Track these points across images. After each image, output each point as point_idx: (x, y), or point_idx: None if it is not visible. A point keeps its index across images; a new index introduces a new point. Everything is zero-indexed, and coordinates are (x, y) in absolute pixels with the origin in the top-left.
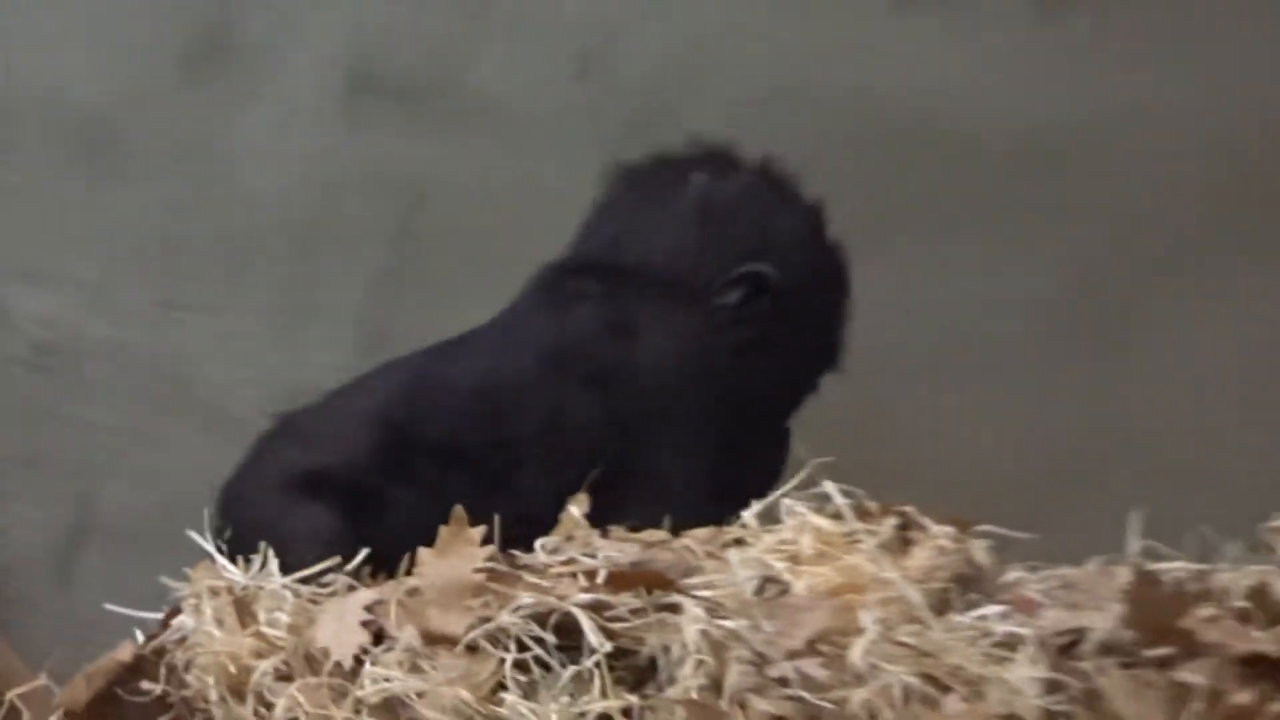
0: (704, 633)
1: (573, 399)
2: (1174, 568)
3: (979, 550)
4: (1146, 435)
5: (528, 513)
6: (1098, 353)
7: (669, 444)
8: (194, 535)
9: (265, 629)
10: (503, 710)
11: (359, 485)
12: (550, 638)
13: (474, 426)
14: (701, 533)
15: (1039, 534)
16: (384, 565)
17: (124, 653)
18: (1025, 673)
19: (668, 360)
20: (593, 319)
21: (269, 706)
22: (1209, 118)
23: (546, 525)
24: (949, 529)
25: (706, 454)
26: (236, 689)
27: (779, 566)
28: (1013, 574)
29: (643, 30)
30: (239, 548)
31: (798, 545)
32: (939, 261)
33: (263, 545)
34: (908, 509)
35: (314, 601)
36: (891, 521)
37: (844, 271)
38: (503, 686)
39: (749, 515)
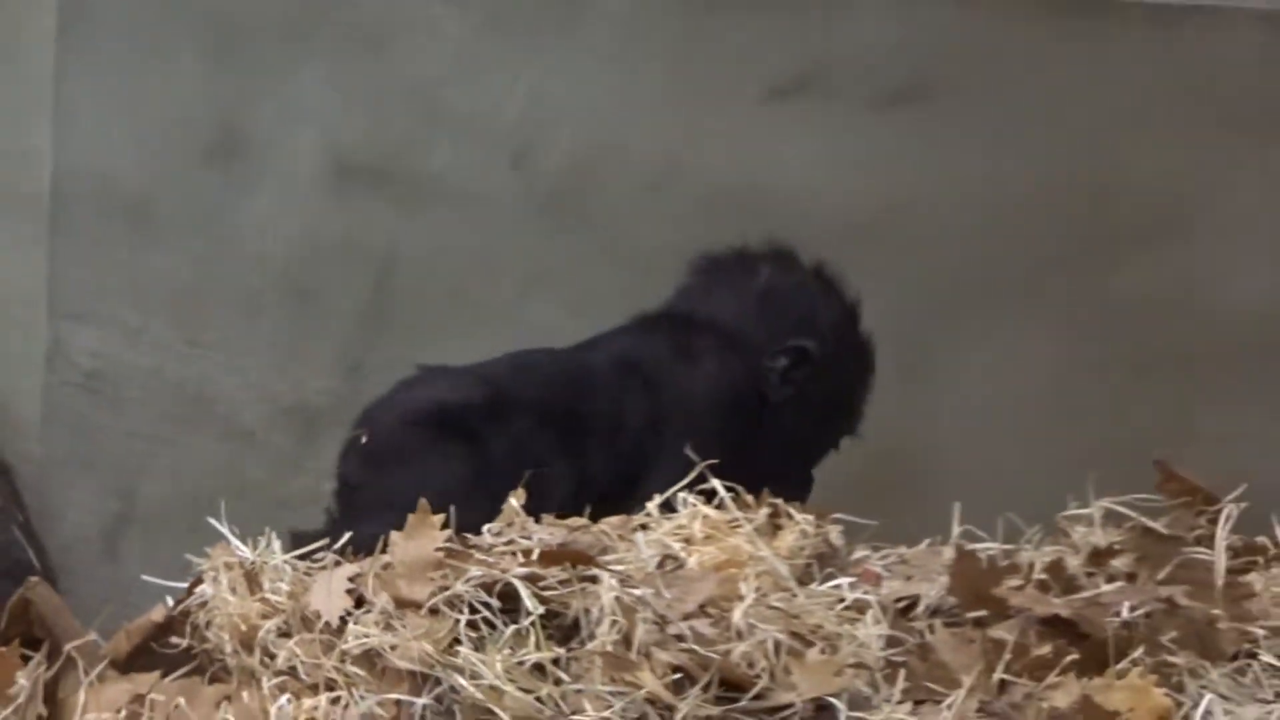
0: (617, 599)
1: (634, 395)
2: (987, 547)
3: (834, 534)
4: (955, 444)
5: (588, 473)
6: (908, 380)
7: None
8: (213, 522)
9: (269, 595)
10: (458, 660)
11: (466, 422)
12: (495, 602)
13: (557, 396)
14: (614, 520)
15: (880, 521)
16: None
17: (157, 614)
18: (871, 630)
19: (713, 387)
20: (664, 343)
21: (272, 657)
22: (998, 196)
23: (600, 487)
24: (810, 517)
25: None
26: (246, 643)
27: (676, 546)
28: (860, 553)
29: (563, 129)
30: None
31: (690, 530)
32: None
33: (267, 529)
34: (777, 501)
35: (308, 574)
36: (764, 511)
37: (871, 356)
38: (458, 641)
39: (652, 507)
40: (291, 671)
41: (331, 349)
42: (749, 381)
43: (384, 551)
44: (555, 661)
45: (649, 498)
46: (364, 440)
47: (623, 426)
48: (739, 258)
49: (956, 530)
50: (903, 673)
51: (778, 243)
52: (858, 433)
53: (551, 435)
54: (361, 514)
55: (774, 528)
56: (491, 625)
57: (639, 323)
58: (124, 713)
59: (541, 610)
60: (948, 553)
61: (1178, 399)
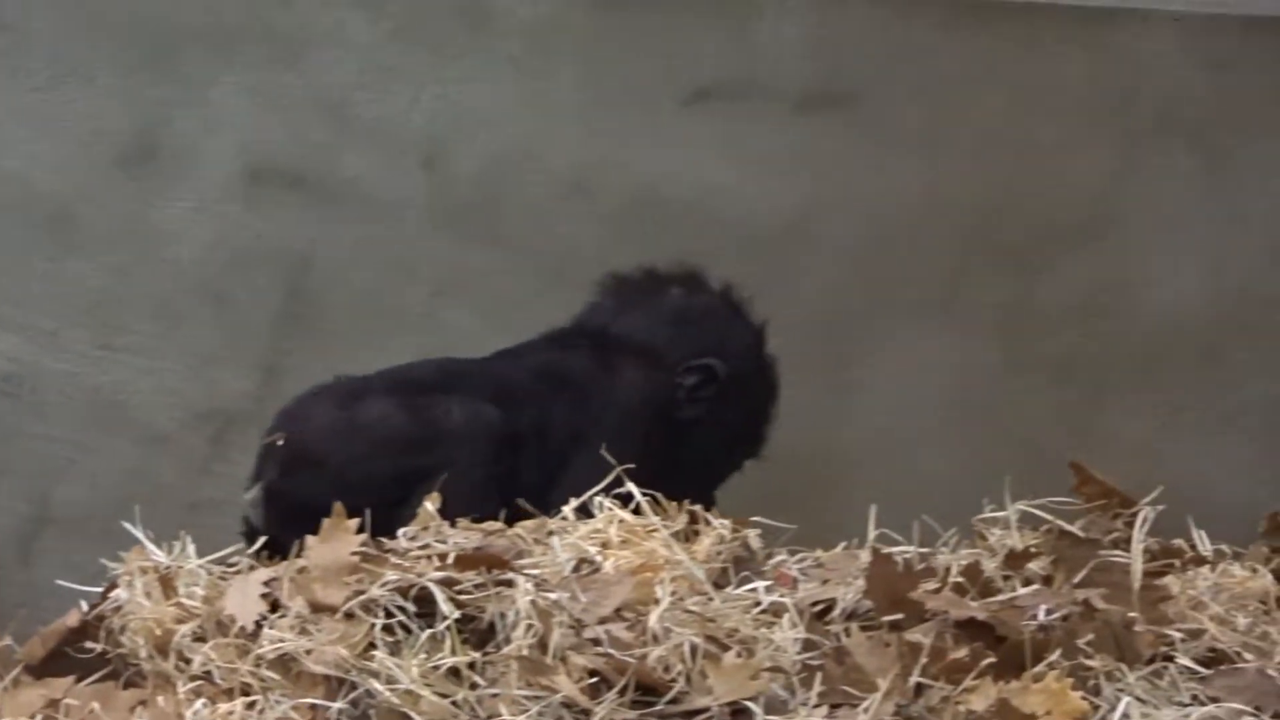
0: (533, 602)
1: (560, 406)
2: (903, 551)
3: (752, 538)
4: (871, 448)
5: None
6: (824, 384)
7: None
8: (128, 526)
9: (184, 600)
10: (374, 665)
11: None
12: (411, 606)
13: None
14: (529, 524)
15: (797, 525)
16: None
17: (72, 619)
18: (787, 634)
19: (633, 399)
20: (585, 356)
21: (187, 661)
22: (917, 200)
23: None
24: (727, 522)
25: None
26: (161, 648)
27: (592, 550)
28: (777, 557)
29: (476, 135)
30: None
31: (606, 534)
32: None
33: (182, 534)
34: (695, 508)
35: (223, 579)
36: (683, 516)
37: (777, 380)
38: (373, 646)
39: (568, 510)
40: (207, 676)
41: (246, 354)
42: (663, 397)
43: (299, 555)
44: (471, 666)
45: (564, 502)
46: (279, 443)
47: (549, 435)
48: (648, 277)
49: (873, 534)
50: (819, 676)
51: (686, 264)
52: (760, 455)
53: (481, 443)
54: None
55: (692, 533)
56: (407, 629)
57: (556, 337)
58: (39, 718)
59: (457, 614)
60: (864, 556)
61: (1092, 403)
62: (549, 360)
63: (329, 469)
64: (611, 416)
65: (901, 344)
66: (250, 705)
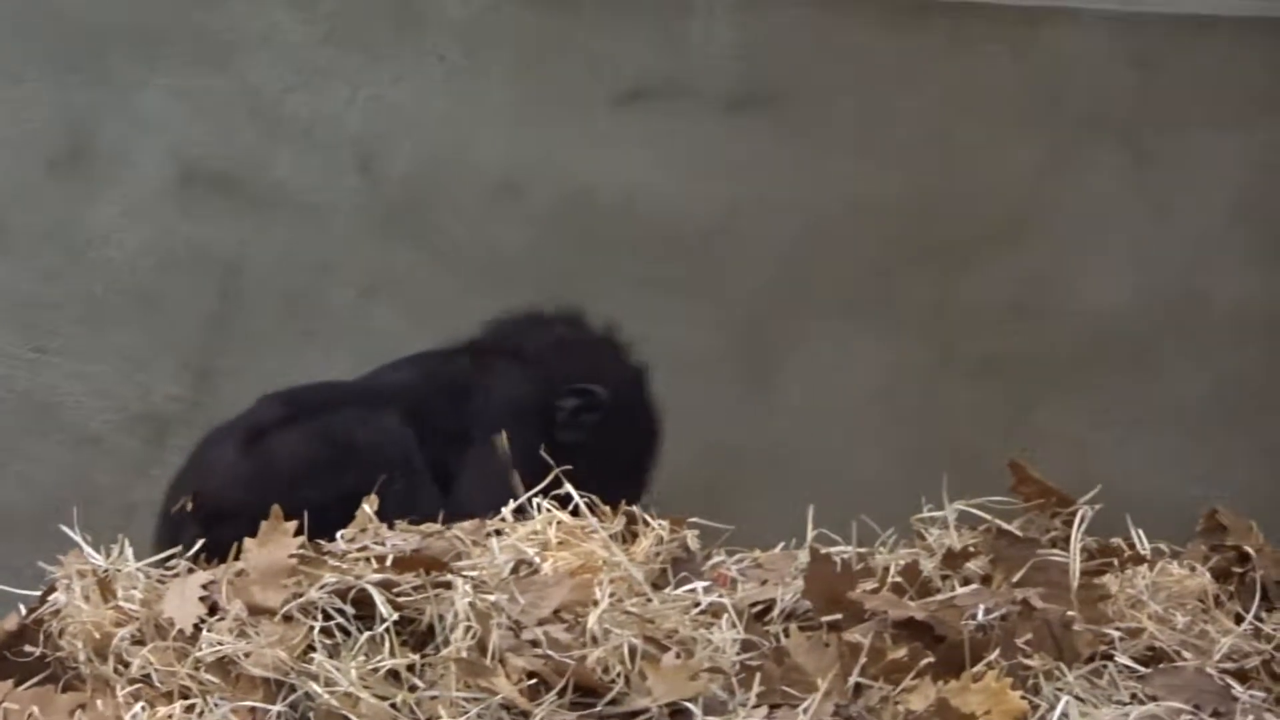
0: (471, 604)
1: (443, 412)
2: (841, 550)
3: (690, 539)
4: (804, 447)
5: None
6: (756, 383)
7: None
8: (65, 529)
9: (123, 603)
10: (313, 667)
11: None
12: (349, 609)
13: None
14: (467, 525)
15: (735, 525)
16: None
17: (9, 623)
18: (726, 635)
19: (513, 397)
20: (464, 362)
21: (126, 665)
22: (845, 199)
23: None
24: (665, 523)
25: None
26: (100, 651)
27: (530, 552)
28: (715, 558)
29: (406, 137)
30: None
31: (545, 535)
32: (639, 321)
33: (121, 537)
34: (634, 508)
35: (161, 581)
36: (621, 518)
37: (659, 423)
38: (312, 648)
39: (506, 512)
40: (146, 679)
41: (178, 355)
42: (542, 409)
43: (237, 558)
44: (410, 668)
45: (460, 504)
46: (188, 508)
47: (434, 439)
48: (532, 316)
49: (811, 533)
50: (758, 677)
51: (569, 306)
52: (640, 498)
53: (396, 455)
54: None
55: (631, 535)
56: (346, 632)
57: (434, 353)
58: None
59: (396, 616)
60: (803, 556)
61: (1022, 402)
62: (428, 369)
63: (250, 517)
64: (493, 414)
65: (830, 344)
66: (189, 708)
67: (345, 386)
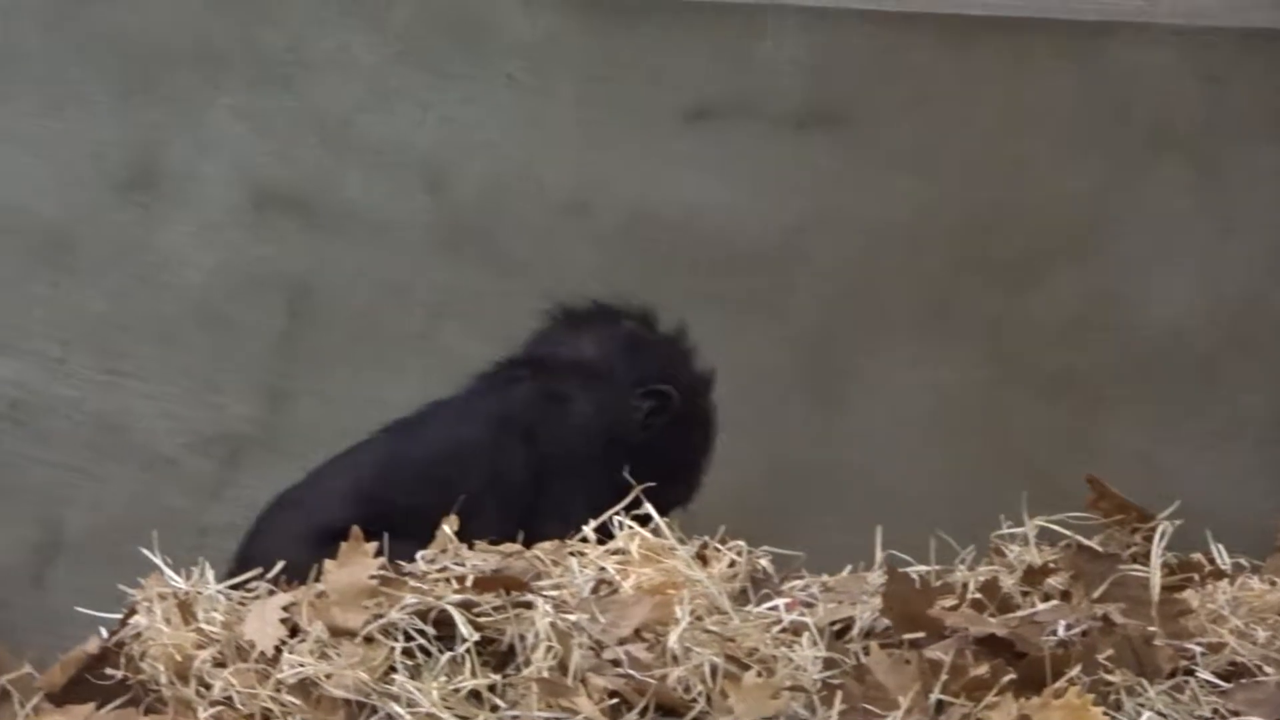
0: (552, 624)
1: (513, 453)
2: (915, 569)
3: (764, 559)
4: (863, 466)
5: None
6: (821, 404)
7: (575, 485)
8: (145, 552)
9: (204, 625)
10: (394, 688)
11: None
12: (430, 630)
13: (436, 491)
14: (547, 545)
15: (802, 548)
16: None
17: (91, 645)
18: (807, 653)
19: (589, 420)
20: (530, 391)
21: (208, 687)
22: (913, 216)
23: None
24: (741, 543)
25: (599, 500)
26: (182, 674)
27: (611, 570)
28: (793, 580)
29: (475, 157)
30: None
31: (628, 552)
32: (704, 339)
33: (200, 559)
34: (706, 539)
35: (242, 603)
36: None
37: (715, 429)
38: (393, 669)
39: (588, 530)
40: (227, 702)
41: (249, 377)
42: (614, 420)
43: (317, 579)
44: (491, 688)
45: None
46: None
47: (507, 486)
48: (600, 309)
49: (879, 554)
50: (840, 695)
51: (638, 304)
52: (688, 503)
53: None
54: None
55: (701, 560)
56: (427, 652)
57: (494, 375)
58: None
59: (476, 637)
60: (873, 577)
61: (1089, 417)
62: (489, 406)
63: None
64: (568, 446)
65: (896, 361)
66: None
67: (401, 448)
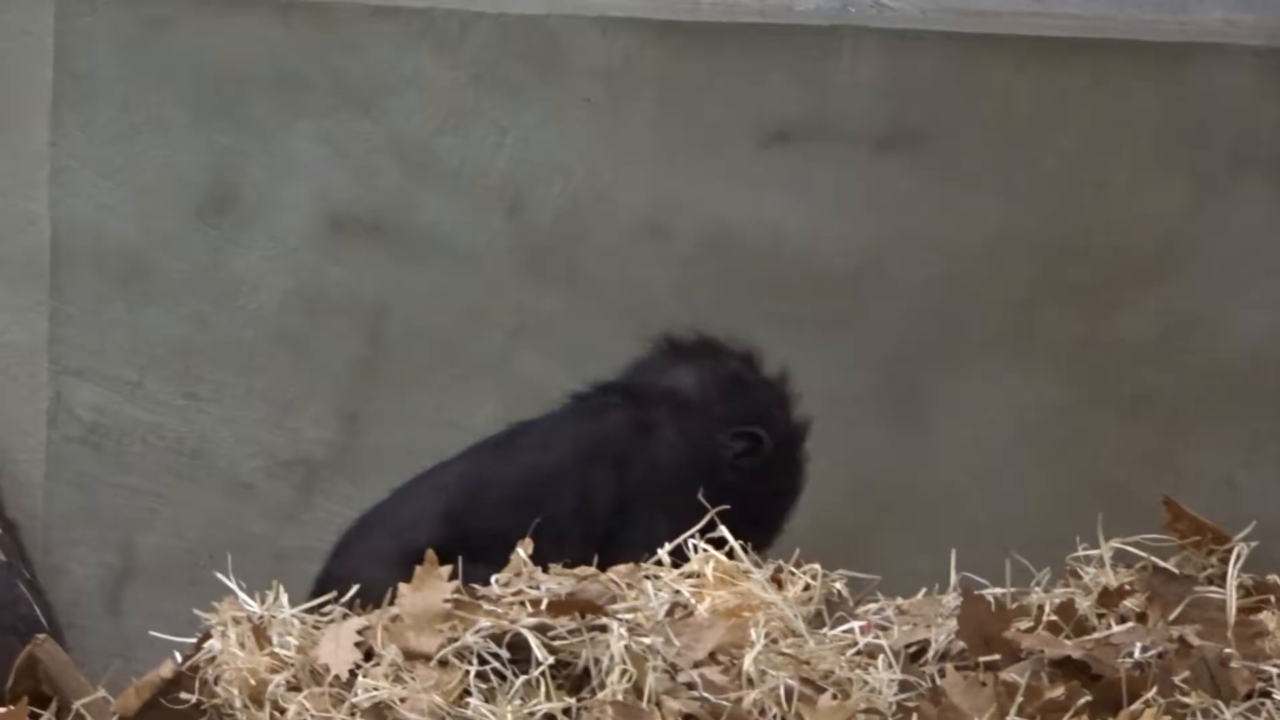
0: (627, 647)
1: (601, 480)
2: (991, 591)
3: (839, 583)
4: (942, 488)
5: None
6: (900, 426)
7: (659, 517)
8: (220, 576)
9: (278, 650)
10: (469, 712)
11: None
12: (504, 653)
13: (522, 513)
14: (621, 568)
15: (878, 572)
16: None
17: (166, 669)
18: (883, 675)
19: (679, 453)
20: (620, 418)
21: (282, 711)
22: (992, 238)
23: None
24: (815, 566)
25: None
26: (256, 698)
27: (686, 593)
28: (868, 603)
29: (553, 180)
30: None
31: (703, 575)
32: (782, 361)
33: (275, 583)
34: (780, 562)
35: (316, 627)
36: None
37: (803, 481)
38: (468, 693)
39: (662, 553)
40: None
41: (327, 400)
42: (702, 457)
43: (392, 603)
44: (566, 712)
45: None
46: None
47: (591, 512)
48: (705, 343)
49: (955, 577)
50: (915, 718)
51: (746, 343)
52: (769, 543)
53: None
54: None
55: (776, 584)
56: (501, 676)
57: (588, 399)
58: None
59: (551, 660)
60: (948, 600)
61: (1170, 439)
62: (580, 433)
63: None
64: (656, 475)
65: (976, 383)
66: None
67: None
